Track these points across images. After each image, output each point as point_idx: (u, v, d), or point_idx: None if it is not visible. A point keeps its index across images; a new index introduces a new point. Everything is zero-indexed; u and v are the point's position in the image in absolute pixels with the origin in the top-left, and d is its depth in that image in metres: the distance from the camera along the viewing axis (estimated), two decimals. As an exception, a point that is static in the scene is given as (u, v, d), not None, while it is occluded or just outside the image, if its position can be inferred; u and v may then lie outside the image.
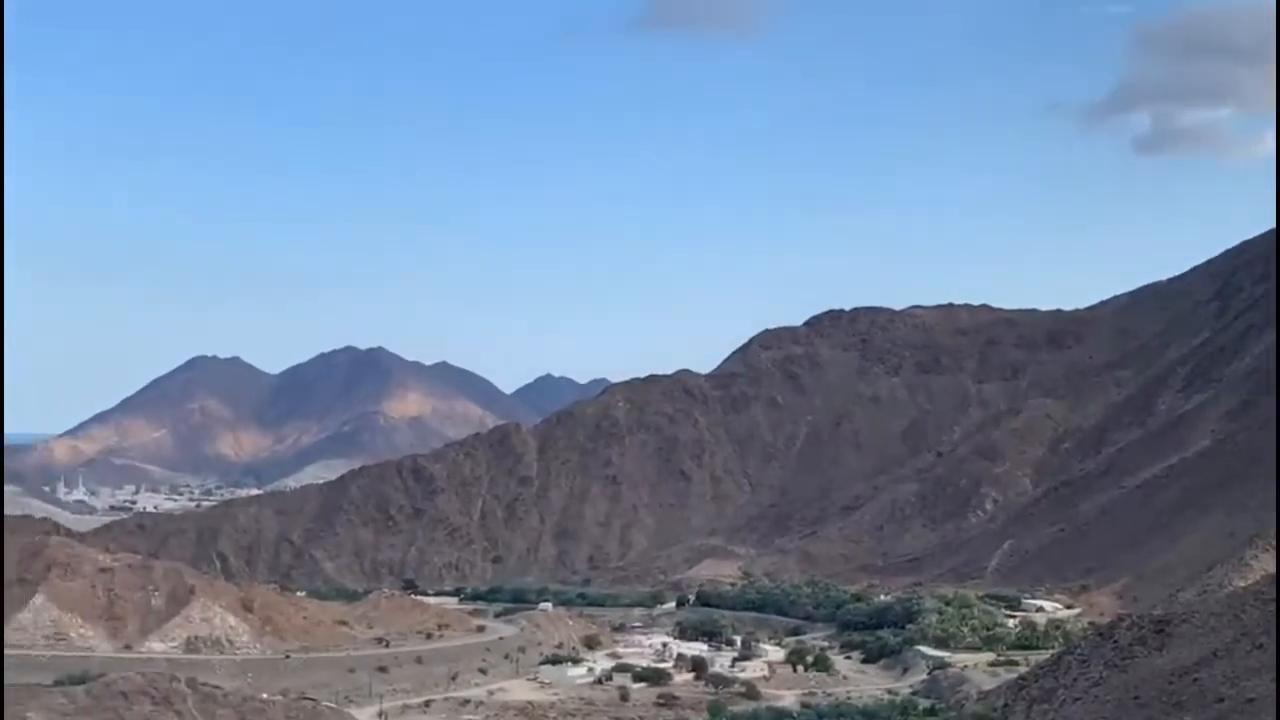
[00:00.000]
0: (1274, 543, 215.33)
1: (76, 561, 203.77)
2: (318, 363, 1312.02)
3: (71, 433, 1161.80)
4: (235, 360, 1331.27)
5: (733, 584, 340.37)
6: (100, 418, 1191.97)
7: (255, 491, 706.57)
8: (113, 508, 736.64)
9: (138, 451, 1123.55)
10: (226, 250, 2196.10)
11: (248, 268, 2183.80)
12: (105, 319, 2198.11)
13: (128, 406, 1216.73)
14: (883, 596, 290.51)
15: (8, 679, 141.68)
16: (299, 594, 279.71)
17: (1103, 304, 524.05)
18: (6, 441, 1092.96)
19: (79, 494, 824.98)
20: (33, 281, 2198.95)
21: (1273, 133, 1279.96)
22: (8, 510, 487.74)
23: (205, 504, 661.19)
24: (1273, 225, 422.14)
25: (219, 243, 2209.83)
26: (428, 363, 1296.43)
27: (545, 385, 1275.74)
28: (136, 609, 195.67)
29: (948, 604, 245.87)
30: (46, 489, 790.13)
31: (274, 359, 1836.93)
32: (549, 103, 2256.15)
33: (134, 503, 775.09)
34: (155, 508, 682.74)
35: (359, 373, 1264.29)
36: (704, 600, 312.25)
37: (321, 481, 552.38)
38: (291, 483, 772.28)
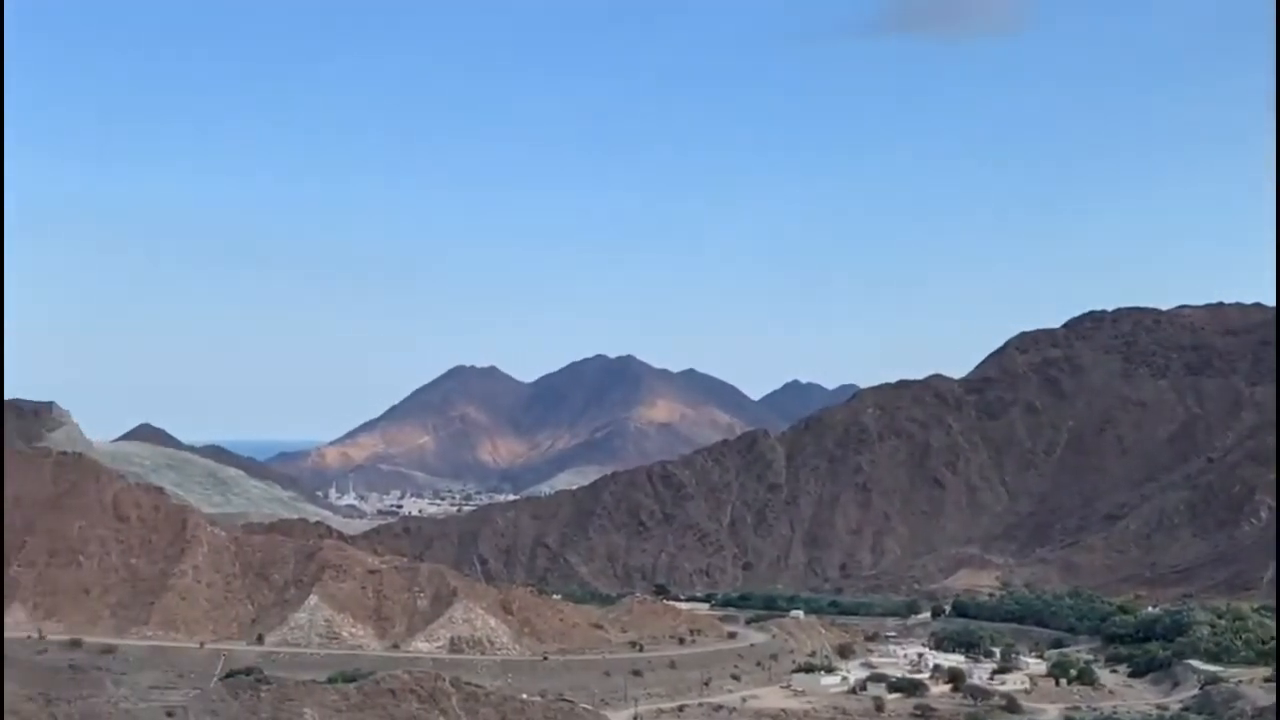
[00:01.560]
0: None
1: (348, 564, 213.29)
2: (570, 371, 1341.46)
3: (342, 440, 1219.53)
4: (492, 370, 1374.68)
5: (990, 594, 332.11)
6: (368, 426, 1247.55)
7: (512, 496, 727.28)
8: (380, 511, 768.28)
9: (403, 458, 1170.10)
10: (484, 263, 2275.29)
11: (504, 280, 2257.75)
12: (373, 332, 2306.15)
13: (394, 415, 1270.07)
14: (1150, 608, 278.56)
15: (287, 675, 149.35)
16: (555, 597, 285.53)
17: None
18: (285, 449, 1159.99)
19: (349, 498, 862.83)
20: (310, 299, 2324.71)
21: None
22: (286, 514, 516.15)
23: (465, 508, 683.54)
24: None
25: (477, 256, 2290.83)
26: (676, 370, 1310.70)
27: (793, 391, 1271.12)
28: (403, 609, 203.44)
29: (1220, 616, 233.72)
30: (320, 494, 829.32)
31: (528, 368, 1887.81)
32: (789, 108, 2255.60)
33: (400, 507, 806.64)
34: (419, 512, 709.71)
35: (609, 380, 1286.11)
36: (960, 610, 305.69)
37: (575, 487, 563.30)
38: (546, 488, 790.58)
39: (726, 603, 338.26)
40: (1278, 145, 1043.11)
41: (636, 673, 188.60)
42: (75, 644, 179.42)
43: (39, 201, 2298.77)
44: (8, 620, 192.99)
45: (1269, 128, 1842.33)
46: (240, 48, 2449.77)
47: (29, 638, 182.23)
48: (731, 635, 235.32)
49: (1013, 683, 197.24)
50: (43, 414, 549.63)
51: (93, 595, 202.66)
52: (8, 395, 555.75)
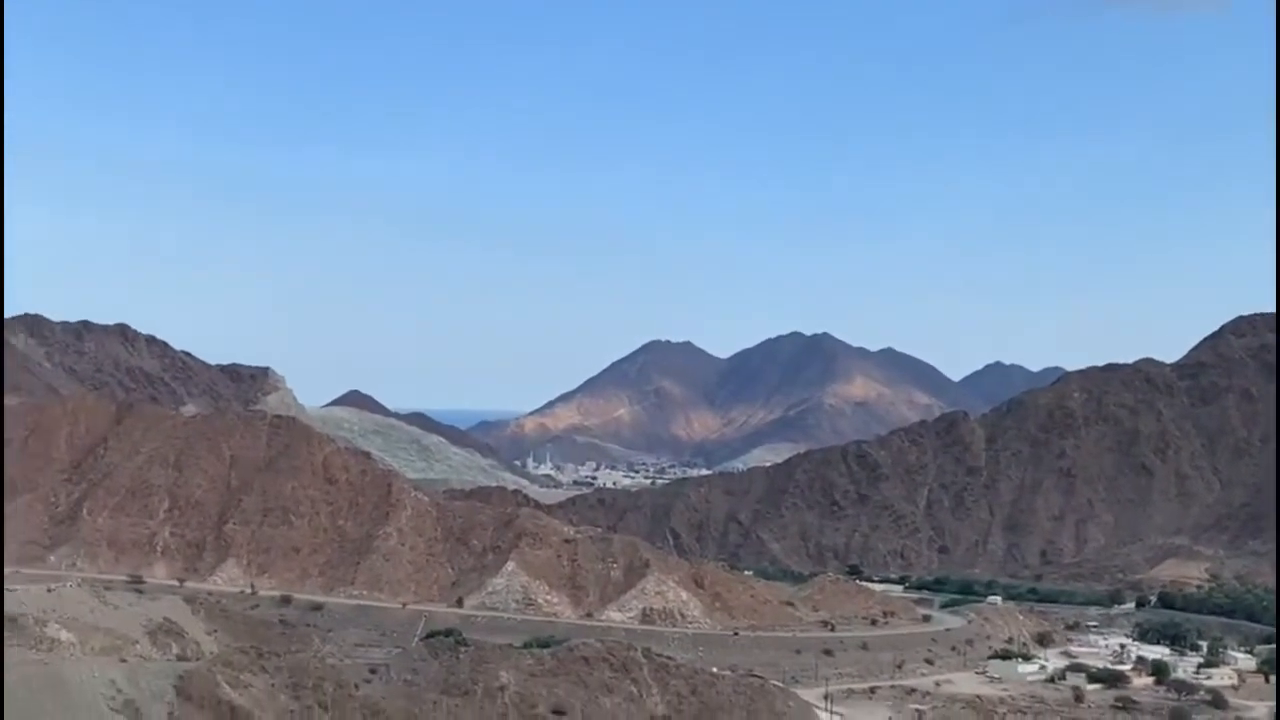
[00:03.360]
0: None
1: (544, 532, 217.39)
2: (765, 348, 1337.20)
3: (540, 411, 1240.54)
4: (687, 345, 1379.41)
5: (1199, 586, 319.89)
6: (565, 398, 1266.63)
7: (705, 471, 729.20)
8: (575, 482, 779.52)
9: (598, 429, 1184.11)
10: (681, 240, 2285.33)
11: (700, 257, 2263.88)
12: (572, 306, 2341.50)
13: (590, 387, 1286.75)
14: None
15: (485, 638, 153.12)
16: (746, 573, 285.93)
17: None
18: (486, 418, 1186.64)
19: (546, 469, 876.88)
20: (513, 274, 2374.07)
21: None
22: (485, 481, 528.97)
23: (659, 482, 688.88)
24: None
25: (674, 233, 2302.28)
26: (873, 349, 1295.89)
27: (994, 373, 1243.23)
28: (596, 579, 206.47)
29: None
30: (517, 463, 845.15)
31: (723, 344, 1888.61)
32: (995, 86, 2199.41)
33: (594, 478, 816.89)
34: (613, 484, 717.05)
35: (804, 358, 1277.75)
36: (1166, 602, 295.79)
37: (768, 464, 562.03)
38: (739, 464, 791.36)
39: (921, 586, 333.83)
40: (1277, 145, 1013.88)
41: (828, 652, 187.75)
42: (285, 600, 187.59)
43: (262, 180, 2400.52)
44: (222, 575, 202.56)
45: None
46: (461, 34, 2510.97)
47: (242, 592, 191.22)
48: (926, 619, 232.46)
49: (1219, 678, 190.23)
50: (259, 379, 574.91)
51: (302, 554, 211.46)
52: (228, 360, 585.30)
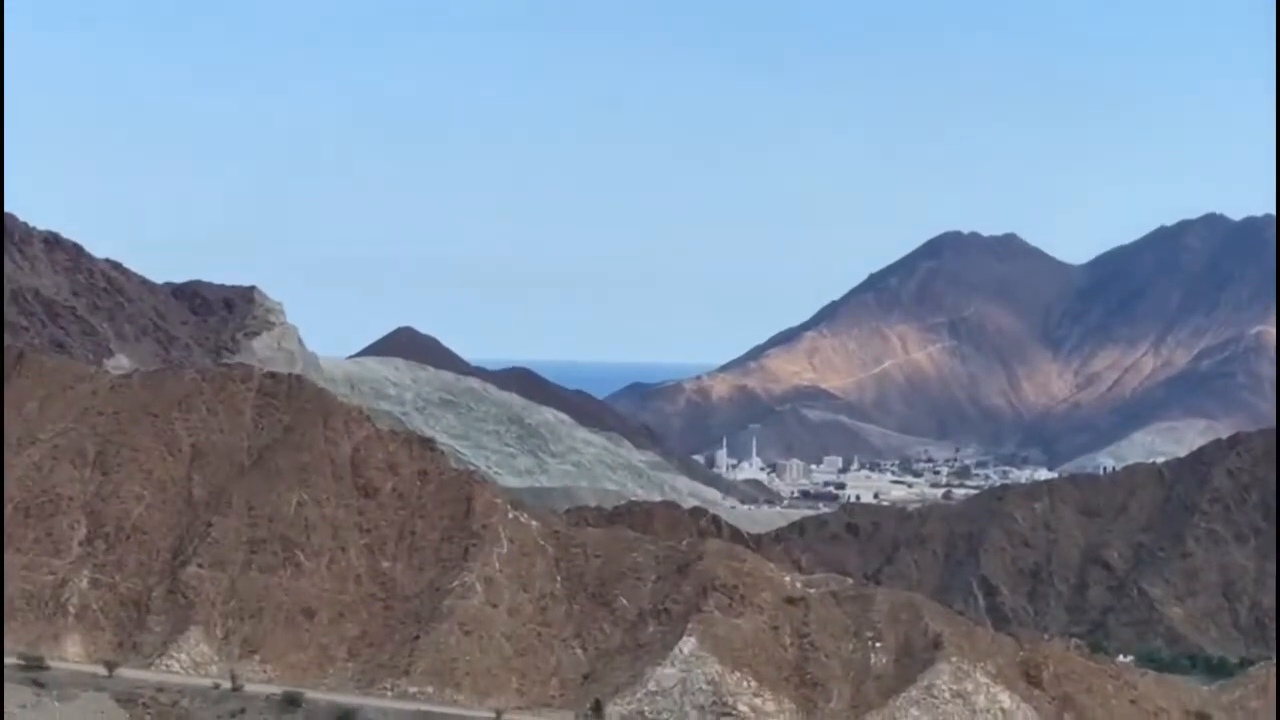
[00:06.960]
0: None
1: (748, 585, 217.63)
2: (1153, 245, 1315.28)
3: (738, 364, 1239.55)
4: (1008, 240, 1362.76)
5: None
6: (786, 339, 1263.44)
7: (1042, 473, 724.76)
8: (804, 493, 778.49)
9: (845, 396, 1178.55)
10: (988, 53, 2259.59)
11: (1030, 81, 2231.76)
12: (792, 179, 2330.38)
13: (831, 319, 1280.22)
14: None
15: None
16: (1120, 659, 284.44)
17: None
18: (641, 378, 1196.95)
19: (750, 467, 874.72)
20: (680, 126, 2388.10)
21: None
22: (641, 491, 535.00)
23: (957, 491, 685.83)
24: None
25: (974, 39, 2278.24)
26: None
27: None
28: (845, 668, 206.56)
29: None
30: (699, 457, 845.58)
31: (1075, 240, 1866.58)
32: None
33: (840, 485, 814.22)
34: (875, 495, 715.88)
35: (1228, 260, 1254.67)
36: None
37: (1160, 459, 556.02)
38: (1106, 459, 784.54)
39: None
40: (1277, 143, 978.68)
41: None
42: (291, 701, 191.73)
43: None
44: (182, 655, 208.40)
45: None
46: None
47: (216, 687, 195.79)
48: None
49: None
50: (239, 308, 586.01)
51: (319, 620, 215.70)
52: (186, 277, 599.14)
